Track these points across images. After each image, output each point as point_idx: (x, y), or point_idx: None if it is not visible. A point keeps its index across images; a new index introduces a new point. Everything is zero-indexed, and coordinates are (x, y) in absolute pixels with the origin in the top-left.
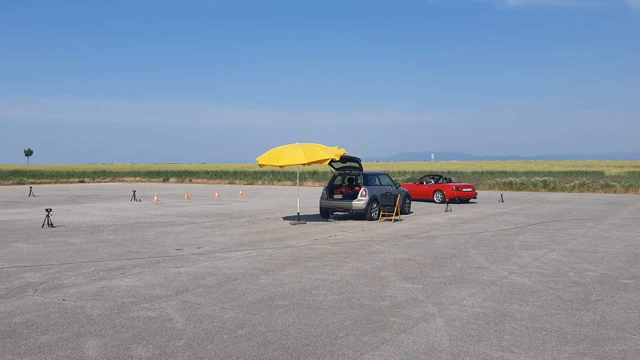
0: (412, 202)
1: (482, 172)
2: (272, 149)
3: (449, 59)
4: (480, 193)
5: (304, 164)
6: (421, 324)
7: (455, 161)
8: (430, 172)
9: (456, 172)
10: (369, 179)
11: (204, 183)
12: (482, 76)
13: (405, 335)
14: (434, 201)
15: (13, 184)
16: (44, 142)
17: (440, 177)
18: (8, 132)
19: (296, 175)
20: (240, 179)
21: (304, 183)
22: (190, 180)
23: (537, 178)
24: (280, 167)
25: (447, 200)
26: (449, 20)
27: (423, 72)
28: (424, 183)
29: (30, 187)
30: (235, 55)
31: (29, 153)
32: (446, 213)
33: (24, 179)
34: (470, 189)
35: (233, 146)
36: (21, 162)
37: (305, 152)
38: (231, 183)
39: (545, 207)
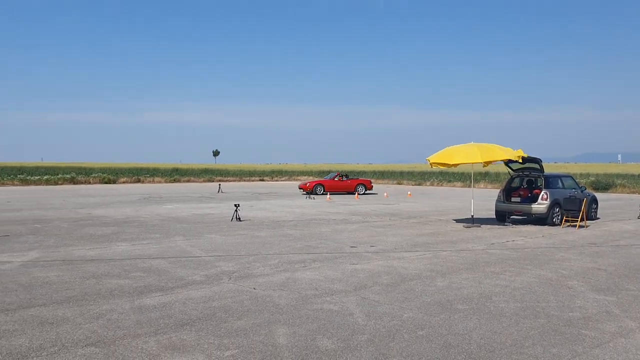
0: (367, 193)
1: None
2: (445, 148)
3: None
4: None
5: (480, 164)
6: (618, 339)
7: None
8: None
9: None
10: (550, 182)
11: (373, 183)
12: None
13: (599, 350)
14: (356, 193)
15: (204, 181)
16: (229, 143)
17: (347, 174)
18: (199, 135)
19: (467, 176)
20: (408, 180)
21: (476, 184)
22: None
23: None
24: (451, 166)
25: (368, 190)
26: None
27: (608, 64)
28: (346, 179)
29: (219, 185)
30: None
31: (216, 153)
32: (639, 220)
33: (213, 176)
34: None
35: (398, 147)
36: (210, 162)
37: (481, 151)
38: (399, 183)
39: None
